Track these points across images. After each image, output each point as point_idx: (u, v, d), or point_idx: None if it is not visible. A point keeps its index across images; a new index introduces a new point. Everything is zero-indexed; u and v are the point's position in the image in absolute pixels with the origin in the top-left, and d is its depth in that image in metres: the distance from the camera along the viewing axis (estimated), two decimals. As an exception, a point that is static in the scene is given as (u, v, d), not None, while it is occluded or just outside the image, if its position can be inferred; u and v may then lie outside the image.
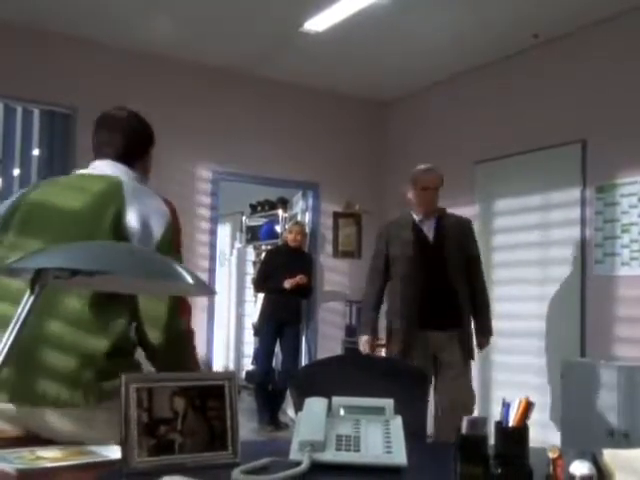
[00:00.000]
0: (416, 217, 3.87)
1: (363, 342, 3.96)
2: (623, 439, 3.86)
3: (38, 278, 1.03)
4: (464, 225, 3.98)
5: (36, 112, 5.23)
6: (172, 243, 1.67)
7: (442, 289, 3.78)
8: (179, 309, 1.68)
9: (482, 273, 3.98)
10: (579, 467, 1.12)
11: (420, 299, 3.76)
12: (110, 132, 1.79)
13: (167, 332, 1.64)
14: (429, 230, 3.85)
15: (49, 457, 1.35)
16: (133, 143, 1.80)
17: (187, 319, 1.73)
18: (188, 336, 1.74)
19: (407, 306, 3.79)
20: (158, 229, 1.63)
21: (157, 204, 1.68)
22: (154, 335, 1.63)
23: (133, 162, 1.79)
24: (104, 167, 1.75)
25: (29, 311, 1.02)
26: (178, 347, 1.68)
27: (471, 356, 3.87)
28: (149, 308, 1.63)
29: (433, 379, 3.71)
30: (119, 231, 1.59)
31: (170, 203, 1.73)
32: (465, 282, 3.83)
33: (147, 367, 1.68)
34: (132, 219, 1.61)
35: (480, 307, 3.90)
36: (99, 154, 1.78)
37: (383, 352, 4.30)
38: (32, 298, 1.03)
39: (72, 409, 1.51)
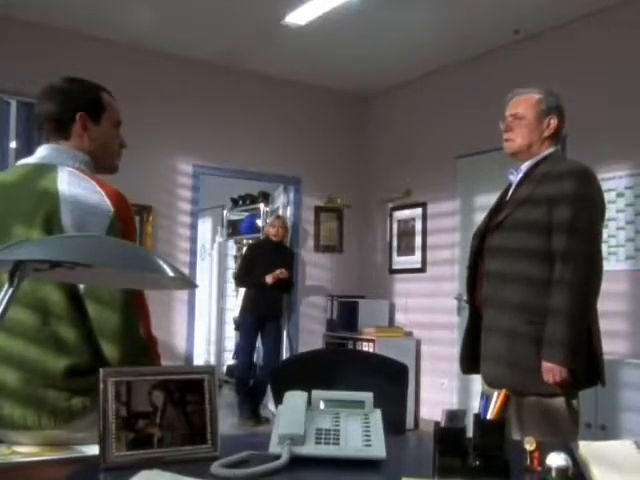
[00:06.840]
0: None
1: None
2: (600, 431, 3.91)
3: (17, 270, 1.02)
4: (558, 177, 2.27)
5: (13, 103, 5.15)
6: None
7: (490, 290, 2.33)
8: (136, 316, 1.50)
9: (572, 255, 2.20)
10: (555, 459, 1.14)
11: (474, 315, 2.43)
12: (43, 100, 1.66)
13: (124, 346, 1.47)
14: (515, 185, 2.43)
15: (25, 452, 1.34)
16: (65, 105, 1.65)
17: (147, 325, 1.53)
18: (149, 348, 1.53)
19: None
20: (97, 231, 1.46)
21: (96, 200, 1.50)
22: (109, 350, 1.46)
23: (68, 129, 1.64)
24: (43, 153, 1.62)
25: (7, 304, 1.01)
26: (137, 363, 1.46)
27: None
28: (102, 319, 1.46)
29: None
30: (54, 233, 1.45)
31: (117, 195, 1.54)
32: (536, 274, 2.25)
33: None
34: (67, 221, 1.46)
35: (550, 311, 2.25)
36: (40, 129, 1.67)
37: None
38: (10, 291, 1.01)
39: (28, 430, 1.41)
